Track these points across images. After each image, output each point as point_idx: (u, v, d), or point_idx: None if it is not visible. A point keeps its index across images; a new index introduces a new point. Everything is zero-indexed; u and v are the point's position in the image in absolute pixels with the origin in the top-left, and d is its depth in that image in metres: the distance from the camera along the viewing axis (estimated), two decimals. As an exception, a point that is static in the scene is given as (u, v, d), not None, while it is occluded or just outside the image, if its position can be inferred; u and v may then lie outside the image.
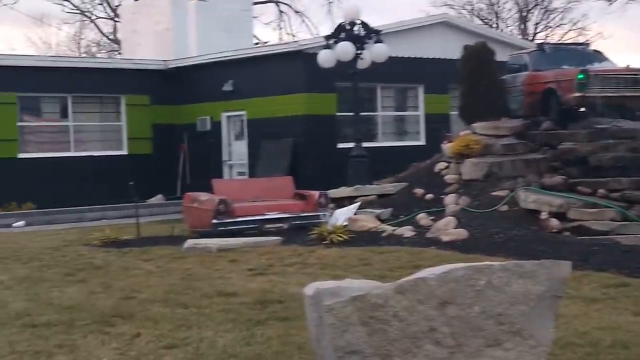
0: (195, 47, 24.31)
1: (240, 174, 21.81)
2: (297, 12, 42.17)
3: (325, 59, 16.56)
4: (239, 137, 22.09)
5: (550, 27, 48.12)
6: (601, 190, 13.89)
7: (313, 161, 19.62)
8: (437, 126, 21.94)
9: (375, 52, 16.34)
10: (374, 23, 16.95)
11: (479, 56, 17.56)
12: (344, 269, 11.17)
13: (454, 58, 21.82)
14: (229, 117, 22.27)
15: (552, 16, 50.87)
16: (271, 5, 41.82)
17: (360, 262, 11.63)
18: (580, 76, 15.35)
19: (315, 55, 19.74)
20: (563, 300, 6.53)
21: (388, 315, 4.83)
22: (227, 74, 21.82)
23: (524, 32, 47.50)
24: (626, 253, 11.09)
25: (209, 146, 22.41)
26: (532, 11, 51.17)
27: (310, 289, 5.11)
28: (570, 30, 49.01)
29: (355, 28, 16.45)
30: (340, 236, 13.42)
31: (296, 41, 19.94)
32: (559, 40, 45.37)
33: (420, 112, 22.13)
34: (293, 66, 20.12)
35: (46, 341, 7.59)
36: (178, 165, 23.17)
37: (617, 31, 59.07)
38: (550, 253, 11.51)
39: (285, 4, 41.93)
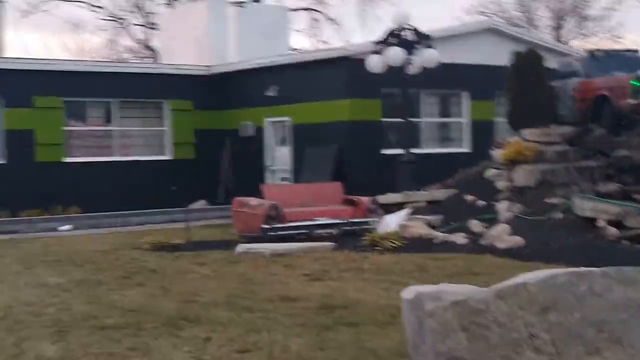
0: (234, 53, 24.36)
1: (283, 179, 21.76)
2: (330, 19, 42.23)
3: (375, 64, 16.49)
4: (282, 142, 22.06)
5: (585, 35, 47.71)
6: (656, 198, 13.68)
7: (358, 167, 19.53)
8: (483, 133, 21.83)
9: (426, 57, 16.25)
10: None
11: (529, 62, 17.40)
12: (400, 275, 11.09)
13: (500, 64, 21.79)
14: (272, 122, 22.25)
15: (586, 24, 50.59)
16: (304, 12, 42.05)
17: (416, 268, 11.53)
18: (635, 82, 15.15)
19: (360, 60, 19.71)
20: None
21: (488, 320, 4.74)
22: (270, 79, 21.82)
23: (557, 40, 47.20)
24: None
25: (251, 152, 22.41)
26: (566, 19, 50.88)
27: (409, 293, 5.04)
28: (605, 38, 48.67)
29: (404, 33, 16.35)
30: (393, 242, 13.34)
31: (342, 47, 19.84)
32: (600, 47, 44.92)
33: (466, 119, 21.98)
34: (338, 72, 20.05)
35: (118, 343, 7.59)
36: (220, 171, 23.16)
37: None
38: (610, 261, 11.38)
39: (318, 11, 42.01)
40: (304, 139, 20.90)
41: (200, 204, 22.66)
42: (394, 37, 16.16)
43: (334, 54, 20.17)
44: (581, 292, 4.90)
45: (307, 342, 7.42)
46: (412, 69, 16.53)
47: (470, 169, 17.67)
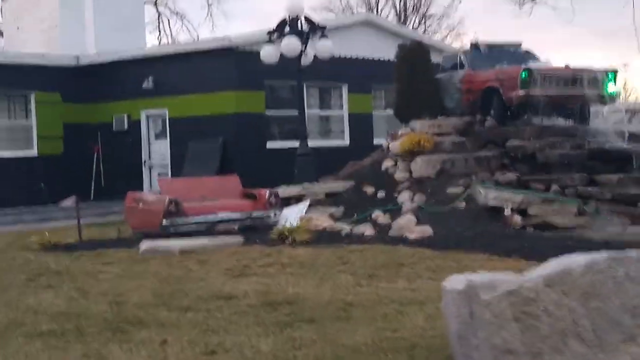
0: (90, 45, 23.35)
1: (162, 175, 21.04)
2: (176, 13, 41.22)
3: (269, 54, 16.13)
4: (160, 136, 21.33)
5: (427, 33, 48.98)
6: (554, 187, 14.07)
7: (243, 161, 19.09)
8: (361, 126, 21.92)
9: (320, 48, 16.03)
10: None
11: (415, 55, 17.55)
12: (328, 268, 10.84)
13: (376, 58, 21.96)
14: (148, 115, 21.46)
15: (429, 22, 52.16)
16: (149, 6, 40.86)
17: (340, 261, 11.31)
18: (524, 74, 15.54)
19: (246, 52, 19.36)
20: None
21: (539, 310, 4.58)
22: (147, 71, 21.03)
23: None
24: (604, 248, 11.20)
25: (126, 146, 21.54)
26: (409, 17, 52.23)
27: (457, 283, 4.78)
28: (447, 35, 50.35)
29: (298, 23, 16.08)
30: (302, 235, 13.07)
31: (226, 37, 19.30)
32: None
33: (344, 112, 21.96)
34: (222, 63, 19.56)
35: (65, 352, 6.95)
36: (92, 166, 22.16)
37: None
38: (527, 248, 11.59)
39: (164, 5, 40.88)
40: (184, 132, 20.26)
41: (70, 201, 21.56)
42: (289, 27, 15.83)
43: (218, 45, 19.61)
44: (620, 277, 4.81)
45: (275, 342, 7.05)
46: (306, 60, 16.27)
47: (361, 161, 17.66)
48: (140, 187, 20.94)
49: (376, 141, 21.85)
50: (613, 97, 16.21)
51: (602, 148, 15.10)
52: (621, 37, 54.43)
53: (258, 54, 19.10)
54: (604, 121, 16.06)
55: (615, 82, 16.14)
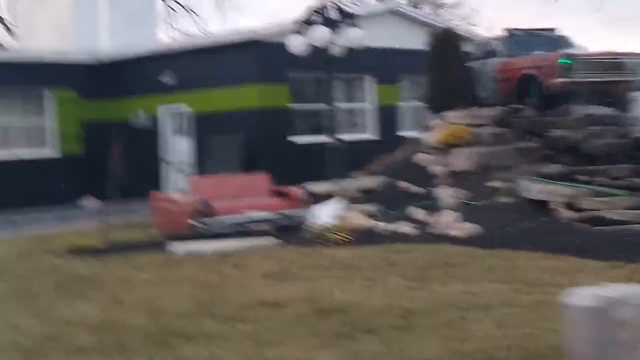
0: (105, 42, 22.75)
1: (181, 172, 20.41)
2: (186, 9, 40.40)
3: (298, 45, 15.45)
4: (181, 133, 20.71)
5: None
6: (601, 178, 13.40)
7: (267, 157, 18.42)
8: (388, 118, 21.27)
9: (351, 37, 15.35)
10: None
11: (447, 44, 16.88)
12: (372, 271, 10.24)
13: (402, 48, 21.27)
14: (168, 111, 20.85)
15: (441, 11, 51.38)
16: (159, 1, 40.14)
17: (385, 263, 10.71)
18: (565, 61, 14.85)
19: (268, 44, 18.71)
20: None
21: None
22: (167, 66, 20.41)
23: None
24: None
25: (146, 143, 20.95)
26: (421, 6, 51.42)
27: (584, 298, 4.13)
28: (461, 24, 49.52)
29: (327, 11, 15.41)
30: (340, 235, 12.45)
31: (249, 30, 18.65)
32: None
33: (371, 104, 21.27)
34: (245, 56, 18.90)
35: (113, 370, 6.37)
36: (110, 165, 21.53)
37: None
38: (581, 245, 10.96)
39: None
40: (205, 128, 19.64)
41: (91, 201, 20.98)
42: (318, 16, 15.17)
43: (239, 38, 18.97)
44: None
45: (336, 355, 6.45)
46: (335, 50, 15.61)
47: (392, 155, 17.03)
48: (159, 186, 20.35)
49: (404, 133, 21.19)
50: (656, 84, 15.49)
51: (647, 137, 14.41)
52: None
53: (281, 46, 18.45)
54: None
55: (657, 67, 15.42)
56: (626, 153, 14.28)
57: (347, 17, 15.30)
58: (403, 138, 19.99)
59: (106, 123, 21.64)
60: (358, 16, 15.78)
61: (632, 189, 13.14)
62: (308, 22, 15.33)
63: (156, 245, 13.03)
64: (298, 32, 15.59)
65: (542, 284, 8.97)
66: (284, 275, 10.23)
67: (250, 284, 9.78)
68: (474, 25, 48.06)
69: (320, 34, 15.05)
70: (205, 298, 8.94)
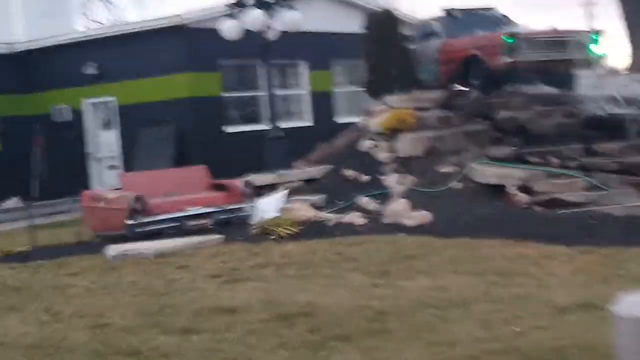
0: (19, 34, 21.44)
1: (111, 167, 19.41)
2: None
3: (230, 29, 14.59)
4: (107, 126, 19.66)
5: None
6: (554, 160, 12.96)
7: (201, 148, 17.55)
8: (322, 104, 20.59)
9: (287, 21, 14.58)
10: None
11: (385, 25, 16.26)
12: (331, 266, 9.57)
13: (335, 31, 20.59)
14: (92, 103, 19.77)
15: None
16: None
17: (340, 258, 10.03)
18: (509, 40, 14.36)
19: (197, 30, 17.86)
20: None
21: None
22: (89, 56, 19.31)
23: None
24: (631, 225, 10.14)
25: (69, 138, 19.82)
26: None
27: (629, 308, 3.47)
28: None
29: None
30: (288, 229, 11.73)
31: (175, 15, 17.70)
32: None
33: (305, 90, 20.55)
34: (172, 43, 17.98)
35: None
36: (32, 163, 20.32)
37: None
38: (544, 230, 10.45)
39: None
40: (134, 120, 18.63)
41: (13, 202, 19.79)
42: (250, -1, 14.34)
43: (166, 23, 17.99)
44: None
45: (314, 370, 5.75)
46: (271, 35, 14.82)
47: (333, 142, 16.36)
48: (87, 183, 19.29)
49: (339, 120, 20.57)
50: (599, 60, 15.15)
51: (596, 115, 14.05)
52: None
53: (211, 31, 17.61)
54: (592, 86, 14.98)
55: (599, 44, 15.08)
56: (576, 132, 13.91)
57: (283, 0, 14.50)
58: (340, 124, 19.38)
59: (25, 118, 20.40)
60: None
61: (585, 169, 12.74)
62: (241, 5, 14.48)
63: (90, 247, 12.12)
64: (230, 15, 14.74)
65: (515, 274, 8.41)
66: (235, 276, 9.47)
67: (199, 287, 9.00)
68: (396, 6, 47.78)
69: (254, 18, 14.22)
70: (152, 307, 8.13)
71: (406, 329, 6.60)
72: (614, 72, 16.93)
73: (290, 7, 14.65)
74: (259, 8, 14.31)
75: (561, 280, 7.94)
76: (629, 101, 14.44)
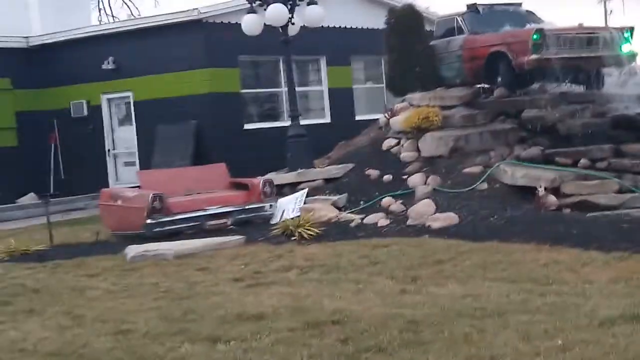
0: (38, 26, 21.20)
1: (128, 164, 19.19)
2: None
3: (252, 25, 14.30)
4: (124, 122, 19.42)
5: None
6: (583, 161, 12.62)
7: (220, 145, 17.25)
8: (341, 101, 20.27)
9: (309, 16, 14.28)
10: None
11: (408, 20, 15.94)
12: (357, 270, 9.30)
13: (355, 27, 20.31)
14: (110, 99, 19.54)
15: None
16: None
17: (367, 261, 9.74)
18: (536, 37, 14.01)
19: (217, 24, 17.61)
20: None
21: None
22: (108, 51, 19.06)
23: None
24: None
25: (87, 134, 19.61)
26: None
27: None
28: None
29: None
30: (310, 230, 11.46)
31: (195, 9, 17.43)
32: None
33: (324, 87, 20.24)
34: (191, 38, 17.70)
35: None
36: (49, 159, 20.17)
37: None
38: (578, 234, 10.11)
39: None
40: (152, 116, 18.38)
41: (29, 198, 19.61)
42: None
43: (184, 18, 17.71)
44: None
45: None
46: (292, 30, 14.51)
47: (353, 141, 16.11)
48: (104, 179, 19.07)
49: (358, 117, 20.28)
50: (631, 58, 14.79)
51: (626, 115, 13.69)
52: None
53: (230, 26, 17.41)
54: (622, 85, 14.62)
55: (631, 41, 14.73)
56: (604, 133, 13.56)
57: (306, -7, 14.18)
58: (359, 122, 19.11)
59: (41, 113, 20.18)
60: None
61: (615, 171, 12.39)
62: (263, 0, 14.18)
63: (109, 247, 11.92)
64: (252, 11, 14.44)
65: (551, 282, 8.10)
66: (259, 280, 9.22)
67: (223, 291, 8.75)
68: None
69: (276, 12, 13.90)
70: (175, 312, 7.88)
71: (442, 340, 6.31)
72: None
73: (312, 2, 14.31)
74: (281, 2, 13.96)
75: (600, 289, 7.62)
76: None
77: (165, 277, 9.69)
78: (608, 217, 10.75)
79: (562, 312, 6.86)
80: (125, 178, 18.87)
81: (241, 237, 11.55)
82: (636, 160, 12.62)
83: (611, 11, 51.23)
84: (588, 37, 14.46)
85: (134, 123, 19.05)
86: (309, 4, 14.32)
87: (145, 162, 18.14)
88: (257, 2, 14.31)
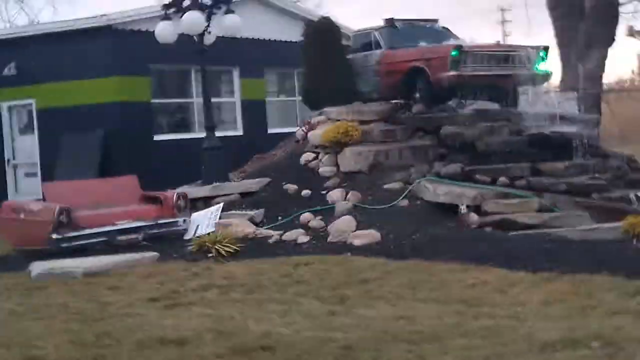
0: None
1: (29, 175, 18.29)
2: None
3: (166, 32, 13.76)
4: (26, 131, 18.51)
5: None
6: (503, 179, 12.56)
7: (129, 157, 16.56)
8: (254, 114, 19.86)
9: (227, 25, 13.83)
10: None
11: (325, 34, 15.71)
12: (280, 290, 8.88)
13: (268, 38, 19.96)
14: (10, 106, 18.61)
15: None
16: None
17: (290, 280, 9.36)
18: (455, 53, 13.94)
19: (126, 32, 17.00)
20: None
21: None
22: (7, 56, 18.15)
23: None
24: (590, 250, 9.72)
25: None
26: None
27: None
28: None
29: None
30: (228, 246, 11.00)
31: (103, 15, 16.73)
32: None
33: (237, 99, 19.77)
34: (99, 45, 16.97)
35: None
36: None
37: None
38: (503, 254, 9.94)
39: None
40: (56, 125, 17.55)
41: None
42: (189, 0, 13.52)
43: (93, 24, 16.99)
44: None
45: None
46: (208, 39, 14.04)
47: (269, 154, 15.75)
48: (3, 191, 18.13)
49: (271, 130, 19.91)
50: (546, 77, 14.89)
51: (542, 133, 13.74)
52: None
53: (142, 33, 16.85)
54: (536, 104, 14.68)
55: (546, 60, 14.83)
56: (522, 151, 13.57)
57: (222, 2, 13.72)
58: (272, 135, 18.77)
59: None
60: (233, 1, 14.21)
61: (534, 189, 12.37)
62: (177, 6, 13.66)
63: (11, 264, 11.20)
64: (166, 18, 13.91)
65: (481, 303, 7.86)
66: (176, 300, 8.71)
67: (139, 312, 8.20)
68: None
69: (192, 20, 13.41)
70: (87, 335, 7.31)
71: (383, 368, 5.99)
72: (548, 89, 16.72)
73: (230, 11, 13.88)
74: (197, 10, 13.48)
75: (534, 312, 7.41)
76: (569, 119, 14.18)
77: (74, 296, 9.08)
78: (530, 236, 10.66)
79: (498, 336, 6.60)
80: (26, 190, 17.99)
81: (154, 253, 11.01)
82: (553, 179, 12.65)
83: (510, 33, 52.63)
84: (505, 55, 14.49)
85: (36, 132, 18.16)
86: (226, 12, 13.84)
87: (49, 173, 17.28)
88: (172, 10, 13.75)
